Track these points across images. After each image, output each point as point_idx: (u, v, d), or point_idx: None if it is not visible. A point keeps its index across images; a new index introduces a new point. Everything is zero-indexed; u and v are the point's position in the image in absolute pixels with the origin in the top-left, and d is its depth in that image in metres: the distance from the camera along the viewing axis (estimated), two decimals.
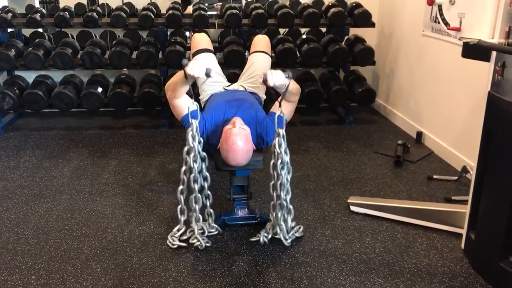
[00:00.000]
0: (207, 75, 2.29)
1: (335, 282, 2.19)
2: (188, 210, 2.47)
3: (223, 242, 2.51)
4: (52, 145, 3.87)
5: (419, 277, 2.23)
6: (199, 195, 2.43)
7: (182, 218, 2.49)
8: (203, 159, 2.45)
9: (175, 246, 2.44)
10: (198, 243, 2.43)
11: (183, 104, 2.48)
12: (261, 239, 2.47)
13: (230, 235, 2.57)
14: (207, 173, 2.48)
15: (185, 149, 2.38)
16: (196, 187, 2.40)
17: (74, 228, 2.64)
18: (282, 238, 2.46)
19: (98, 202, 2.93)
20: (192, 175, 2.39)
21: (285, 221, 2.45)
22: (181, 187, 2.42)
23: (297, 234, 2.54)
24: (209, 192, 2.53)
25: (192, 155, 2.37)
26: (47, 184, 3.17)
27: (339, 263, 2.33)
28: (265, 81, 2.30)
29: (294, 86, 2.49)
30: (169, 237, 2.50)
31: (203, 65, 2.29)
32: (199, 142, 2.41)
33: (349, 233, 2.60)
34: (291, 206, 2.44)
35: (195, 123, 2.37)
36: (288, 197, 2.43)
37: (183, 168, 2.40)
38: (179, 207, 2.47)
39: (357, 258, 2.38)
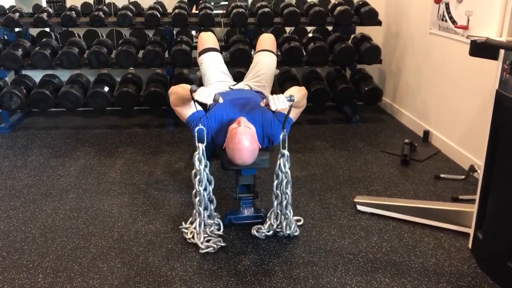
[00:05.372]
0: (216, 101, 2.34)
1: (341, 282, 2.18)
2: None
3: (229, 241, 2.51)
4: (59, 144, 3.89)
5: (426, 276, 2.22)
6: (205, 219, 2.48)
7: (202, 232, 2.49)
8: (210, 182, 2.47)
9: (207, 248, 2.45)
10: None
11: (187, 108, 2.50)
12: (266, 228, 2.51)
13: (236, 234, 2.57)
14: (213, 196, 2.51)
15: (193, 172, 2.40)
16: (202, 211, 2.44)
17: (81, 227, 2.65)
18: (285, 226, 2.50)
19: (104, 201, 2.95)
20: (198, 199, 2.42)
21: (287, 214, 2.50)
22: (197, 209, 2.45)
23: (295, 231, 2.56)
24: (215, 213, 2.57)
25: (197, 178, 2.39)
26: (54, 183, 3.18)
27: (345, 262, 2.33)
28: (267, 106, 2.31)
29: (299, 96, 2.47)
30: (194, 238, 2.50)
31: (212, 91, 2.32)
32: (205, 166, 2.41)
33: (355, 233, 2.59)
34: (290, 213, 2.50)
35: (201, 146, 2.37)
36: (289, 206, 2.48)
37: (194, 191, 2.42)
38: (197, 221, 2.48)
39: (363, 257, 2.37)
